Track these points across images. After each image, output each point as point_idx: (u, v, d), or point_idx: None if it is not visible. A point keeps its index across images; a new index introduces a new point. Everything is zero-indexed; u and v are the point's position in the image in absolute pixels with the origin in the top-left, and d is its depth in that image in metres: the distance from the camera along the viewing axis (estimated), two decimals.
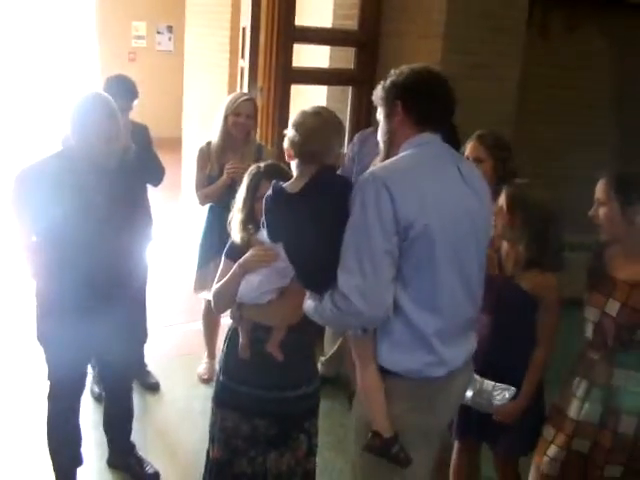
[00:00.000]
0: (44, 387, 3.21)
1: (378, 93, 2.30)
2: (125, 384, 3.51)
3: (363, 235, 2.06)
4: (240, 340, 2.61)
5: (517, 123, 4.49)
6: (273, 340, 2.55)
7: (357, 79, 4.88)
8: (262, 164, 2.67)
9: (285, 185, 2.29)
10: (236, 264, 2.54)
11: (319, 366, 4.33)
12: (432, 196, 2.11)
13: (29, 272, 3.03)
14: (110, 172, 2.95)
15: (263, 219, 2.32)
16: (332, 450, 3.56)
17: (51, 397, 3.21)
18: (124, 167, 3.10)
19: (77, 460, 3.36)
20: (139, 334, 3.43)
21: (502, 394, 2.74)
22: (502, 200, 2.77)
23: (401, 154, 2.21)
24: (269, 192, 2.27)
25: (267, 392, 2.59)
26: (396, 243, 2.07)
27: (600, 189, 2.56)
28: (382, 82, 2.30)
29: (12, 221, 2.97)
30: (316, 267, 2.18)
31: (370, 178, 2.11)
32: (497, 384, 2.74)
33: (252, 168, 2.67)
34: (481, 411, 2.77)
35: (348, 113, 4.96)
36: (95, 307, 2.94)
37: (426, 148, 2.21)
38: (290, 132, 2.33)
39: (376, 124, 2.38)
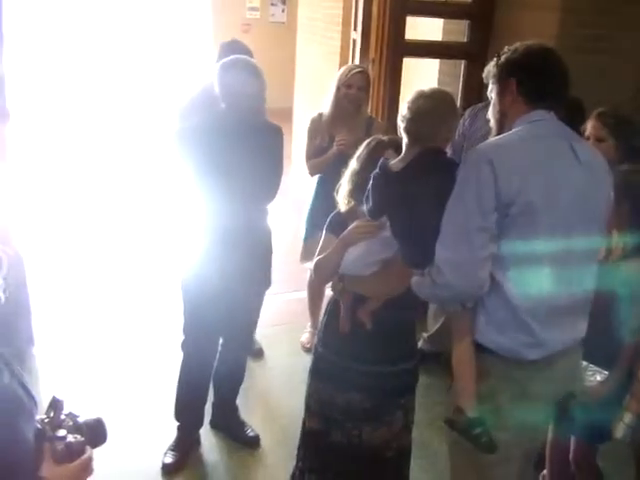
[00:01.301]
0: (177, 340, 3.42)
1: (491, 70, 2.30)
2: (246, 346, 3.64)
3: (461, 210, 2.09)
4: (341, 313, 2.63)
5: None
6: (366, 308, 2.55)
7: (470, 53, 4.76)
8: (385, 137, 2.67)
9: (391, 163, 2.33)
10: (340, 237, 2.56)
11: (421, 342, 4.35)
12: (538, 174, 2.08)
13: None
14: (255, 131, 3.13)
15: (367, 194, 2.36)
16: (430, 427, 3.56)
17: (185, 350, 3.40)
18: (268, 127, 3.28)
19: (200, 420, 3.52)
20: (264, 288, 3.56)
21: (594, 375, 2.72)
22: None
23: (511, 131, 2.18)
24: (376, 170, 2.32)
25: (364, 366, 2.60)
26: (495, 220, 2.06)
27: None
28: (495, 59, 2.28)
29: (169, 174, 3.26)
30: (415, 244, 2.23)
31: (475, 154, 2.12)
32: (590, 365, 2.70)
33: (371, 139, 2.68)
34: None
35: (460, 87, 4.86)
36: (231, 263, 3.11)
37: (538, 126, 2.17)
38: (403, 109, 2.37)
39: (487, 99, 2.35)
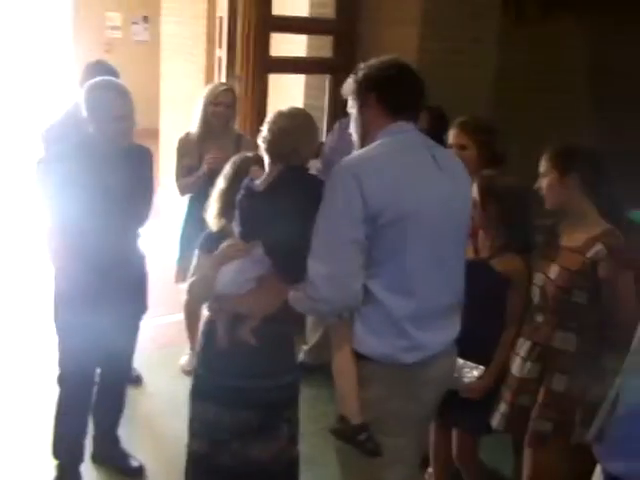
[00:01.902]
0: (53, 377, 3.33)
1: (350, 86, 2.36)
2: (124, 375, 3.56)
3: (331, 224, 2.12)
4: (218, 332, 2.60)
5: (497, 108, 4.50)
6: (245, 326, 2.54)
7: (335, 67, 4.87)
8: (251, 153, 2.68)
9: (255, 182, 2.39)
10: (212, 256, 2.54)
11: (302, 355, 4.37)
12: (404, 183, 2.15)
13: (49, 258, 3.22)
14: (125, 153, 3.07)
15: (236, 214, 2.40)
16: (317, 437, 3.56)
17: (62, 384, 3.27)
18: (137, 149, 3.22)
19: (81, 455, 3.37)
20: (140, 313, 3.46)
21: (471, 372, 2.82)
22: (474, 191, 2.84)
23: (373, 144, 2.25)
24: (240, 192, 2.38)
25: (249, 382, 2.59)
26: (364, 231, 2.11)
27: (542, 162, 2.73)
28: (352, 75, 2.35)
29: (34, 207, 3.18)
30: (287, 261, 2.28)
31: (340, 168, 2.17)
32: (467, 362, 2.81)
33: (236, 157, 2.68)
34: (449, 387, 2.80)
35: (326, 101, 4.94)
36: (104, 293, 3.04)
37: (398, 137, 2.25)
38: (263, 130, 2.42)
39: None
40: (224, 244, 2.52)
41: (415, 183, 2.18)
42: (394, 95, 2.26)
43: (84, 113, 3.03)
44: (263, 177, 2.41)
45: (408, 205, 2.14)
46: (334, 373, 2.29)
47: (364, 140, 2.32)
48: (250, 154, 2.68)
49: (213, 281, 2.53)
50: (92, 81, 3.08)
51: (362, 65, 2.34)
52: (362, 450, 2.22)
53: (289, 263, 2.27)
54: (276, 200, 2.31)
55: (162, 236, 5.38)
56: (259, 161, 2.57)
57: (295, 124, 2.40)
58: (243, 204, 2.37)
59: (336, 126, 4.14)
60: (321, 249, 2.13)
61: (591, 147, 2.87)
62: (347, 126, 4.02)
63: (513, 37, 4.78)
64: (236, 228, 2.45)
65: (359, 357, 2.24)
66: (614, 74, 5.63)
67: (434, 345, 2.29)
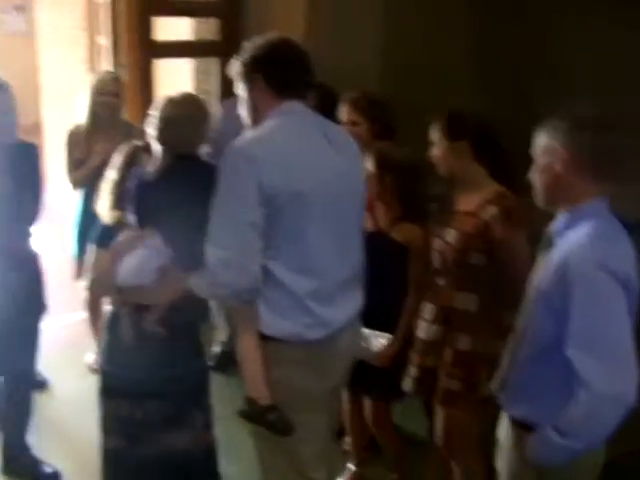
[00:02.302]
0: None
1: (236, 68, 2.32)
2: (28, 379, 3.45)
3: (227, 208, 2.11)
4: (123, 326, 2.56)
5: (386, 82, 4.55)
6: (151, 316, 2.51)
7: (222, 50, 4.81)
8: (140, 142, 2.63)
9: (146, 171, 2.37)
10: (111, 248, 2.49)
11: (215, 343, 4.37)
12: (298, 163, 2.16)
13: None
14: (9, 151, 2.94)
15: (130, 204, 2.38)
16: (232, 421, 3.55)
17: None
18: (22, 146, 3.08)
19: None
20: (39, 315, 3.34)
21: (378, 340, 2.91)
22: (370, 164, 2.89)
23: (265, 124, 2.24)
24: (133, 180, 2.37)
25: (157, 372, 2.56)
26: (262, 214, 2.11)
27: (433, 131, 2.80)
28: (238, 57, 2.32)
29: None
30: (185, 249, 2.27)
31: (233, 151, 2.15)
32: (374, 331, 2.89)
33: (126, 147, 2.62)
34: (358, 357, 2.85)
35: (217, 85, 4.89)
36: None
37: (289, 116, 2.25)
38: (153, 117, 2.38)
39: None
40: (121, 235, 2.47)
41: (309, 162, 2.19)
42: (281, 74, 2.26)
43: None
44: (154, 166, 2.36)
45: (303, 185, 2.15)
46: (240, 357, 2.30)
47: (255, 121, 2.31)
48: (139, 143, 2.63)
49: (114, 274, 2.47)
50: None
51: (247, 45, 2.32)
52: (273, 430, 2.25)
53: (187, 251, 2.25)
54: (168, 189, 2.29)
55: (56, 232, 5.21)
56: (149, 149, 2.52)
57: (185, 111, 2.37)
58: (136, 193, 2.34)
59: (219, 108, 4.11)
60: (218, 233, 2.12)
61: (478, 114, 2.96)
62: (231, 108, 4.03)
63: (401, 4, 4.80)
64: (131, 217, 2.40)
65: (265, 339, 2.25)
66: (499, 41, 5.76)
67: (339, 320, 2.32)
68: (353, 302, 2.42)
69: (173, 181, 2.32)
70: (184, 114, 2.36)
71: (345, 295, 2.35)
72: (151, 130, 2.37)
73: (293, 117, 2.26)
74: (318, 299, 2.24)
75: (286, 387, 2.26)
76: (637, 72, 4.41)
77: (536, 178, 2.10)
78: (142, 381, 2.56)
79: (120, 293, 2.54)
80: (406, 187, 2.96)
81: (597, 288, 1.88)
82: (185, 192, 2.26)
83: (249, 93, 2.30)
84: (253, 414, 2.27)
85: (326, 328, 2.27)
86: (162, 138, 2.36)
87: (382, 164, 2.97)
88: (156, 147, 2.38)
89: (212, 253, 2.12)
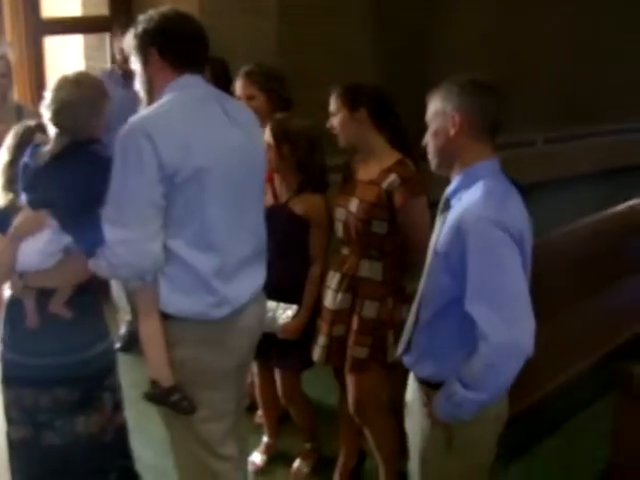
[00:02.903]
0: None
1: (130, 42, 2.28)
2: None
3: (125, 187, 2.08)
4: (27, 311, 2.47)
5: (283, 52, 4.53)
6: (56, 300, 2.44)
7: (113, 25, 4.66)
8: (33, 122, 2.53)
9: (41, 152, 2.26)
10: (8, 233, 2.40)
11: (124, 325, 4.32)
12: (197, 138, 2.13)
13: None
14: None
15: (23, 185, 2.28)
16: (141, 403, 3.52)
17: None
18: None
19: None
20: None
21: (285, 312, 2.92)
22: (267, 136, 2.88)
23: (162, 100, 2.20)
24: (25, 159, 2.25)
25: (65, 357, 2.50)
26: (161, 192, 2.08)
27: (331, 101, 2.83)
28: (132, 30, 2.27)
29: None
30: (81, 232, 2.21)
31: (130, 128, 2.09)
32: (280, 304, 2.90)
33: (18, 127, 2.52)
34: (266, 331, 2.88)
35: (108, 62, 4.76)
36: None
37: (187, 91, 2.22)
38: (47, 98, 2.26)
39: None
40: (18, 218, 2.39)
41: (209, 138, 2.17)
42: (176, 47, 2.21)
43: None
44: (48, 148, 2.27)
45: (203, 161, 2.12)
46: (141, 337, 2.28)
47: (151, 96, 2.26)
48: (32, 123, 2.53)
49: (13, 259, 2.39)
50: None
51: (141, 18, 2.26)
52: (177, 410, 2.26)
53: (83, 234, 2.20)
54: (59, 175, 2.22)
55: None
56: (43, 129, 2.44)
57: (81, 95, 2.25)
58: (29, 171, 2.25)
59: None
60: (117, 213, 2.08)
61: (374, 83, 3.00)
62: (115, 81, 3.91)
63: None
64: (23, 196, 2.32)
65: (166, 318, 2.23)
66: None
67: (243, 296, 2.32)
68: (257, 277, 2.41)
69: (66, 166, 2.23)
70: (79, 99, 2.25)
71: (248, 270, 2.34)
72: (45, 111, 2.28)
73: (190, 91, 2.22)
74: (221, 277, 2.22)
75: (190, 366, 2.26)
76: None
77: (429, 142, 2.14)
78: (48, 367, 2.49)
79: (23, 278, 2.45)
80: (303, 157, 2.97)
81: (491, 242, 1.95)
82: (77, 178, 2.20)
83: (144, 67, 2.24)
84: (156, 396, 2.27)
85: (230, 306, 2.27)
86: (56, 121, 2.26)
87: (279, 135, 2.96)
88: (50, 128, 2.30)
89: (112, 233, 2.08)
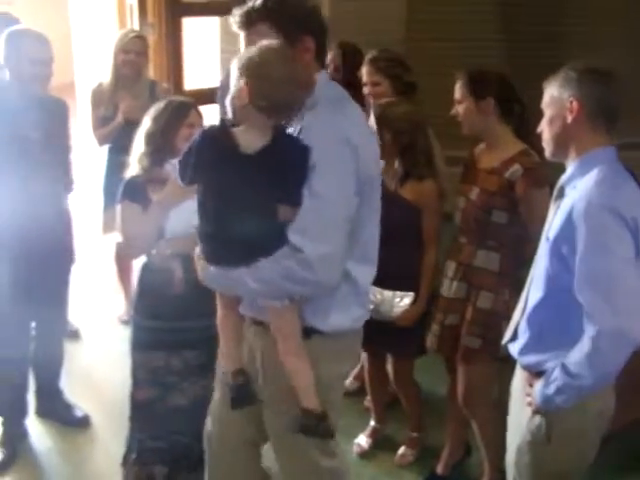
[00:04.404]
0: None
1: (237, 20, 2.05)
2: (59, 327, 3.55)
3: (329, 200, 1.91)
4: (175, 275, 2.56)
5: (411, 40, 4.51)
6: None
7: None
8: (186, 99, 2.60)
9: (241, 140, 1.93)
10: (156, 201, 2.49)
11: None
12: (364, 143, 2.02)
13: None
14: (40, 103, 2.98)
15: (183, 157, 1.99)
16: None
17: None
18: (53, 101, 3.14)
19: (24, 410, 3.39)
20: (68, 265, 3.45)
21: (403, 301, 2.90)
22: (371, 122, 2.87)
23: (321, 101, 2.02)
24: (202, 134, 1.97)
25: (196, 322, 2.58)
26: (356, 205, 1.98)
27: (457, 89, 2.78)
28: (242, 9, 2.02)
29: None
30: (236, 237, 1.94)
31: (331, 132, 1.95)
32: (396, 292, 2.89)
33: (169, 100, 2.62)
34: (383, 320, 2.89)
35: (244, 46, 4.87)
36: (28, 247, 3.00)
37: (336, 90, 2.12)
38: (243, 74, 1.91)
39: None
40: (168, 187, 2.45)
41: (368, 145, 2.07)
42: (322, 41, 2.06)
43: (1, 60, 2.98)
44: (247, 133, 1.93)
45: (372, 170, 2.06)
46: (289, 369, 2.04)
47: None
48: (187, 100, 2.59)
49: (157, 227, 2.48)
50: (9, 29, 3.03)
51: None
52: (325, 437, 2.09)
53: (224, 242, 1.97)
54: (267, 167, 1.90)
55: (84, 188, 5.30)
56: (197, 108, 2.51)
57: (291, 69, 1.91)
58: (194, 151, 1.94)
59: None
60: (319, 227, 1.90)
61: (502, 70, 2.94)
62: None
63: None
64: (181, 169, 1.99)
65: (324, 336, 2.08)
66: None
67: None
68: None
69: (271, 161, 1.91)
70: (290, 72, 1.90)
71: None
72: (246, 90, 1.89)
73: (334, 89, 2.11)
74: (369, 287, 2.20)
75: (335, 383, 2.19)
76: None
77: (545, 129, 2.10)
78: (180, 331, 2.60)
79: (171, 244, 2.52)
80: (404, 143, 2.91)
81: (601, 228, 1.90)
82: (277, 176, 1.91)
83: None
84: (312, 427, 2.05)
85: (367, 314, 2.22)
86: (267, 105, 1.88)
87: (380, 120, 2.93)
88: (252, 115, 1.92)
89: (316, 248, 1.89)
